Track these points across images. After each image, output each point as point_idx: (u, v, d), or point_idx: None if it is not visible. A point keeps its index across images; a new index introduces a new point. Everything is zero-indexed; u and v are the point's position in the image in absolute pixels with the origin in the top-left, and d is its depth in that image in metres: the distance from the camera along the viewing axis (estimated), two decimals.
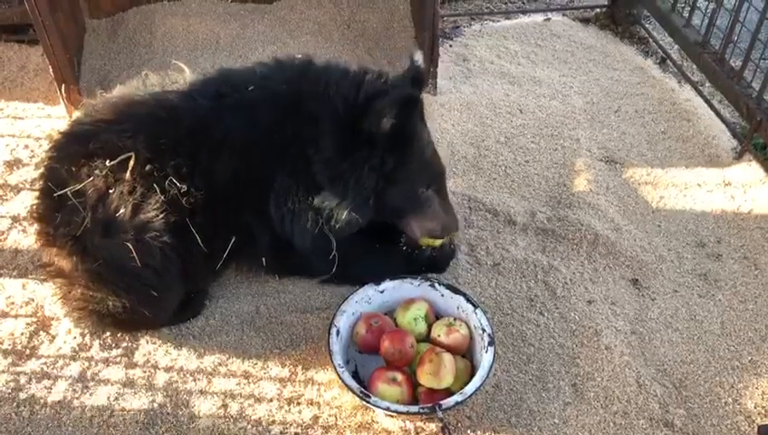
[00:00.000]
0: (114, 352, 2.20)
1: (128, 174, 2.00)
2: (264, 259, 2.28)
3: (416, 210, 2.26)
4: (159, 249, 2.03)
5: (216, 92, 2.14)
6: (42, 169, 2.17)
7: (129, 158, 2.00)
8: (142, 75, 2.27)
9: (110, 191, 2.00)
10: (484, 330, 2.13)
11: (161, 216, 2.01)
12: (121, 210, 1.99)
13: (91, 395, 2.08)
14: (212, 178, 2.07)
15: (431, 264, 2.46)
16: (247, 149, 2.09)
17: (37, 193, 2.15)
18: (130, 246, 1.99)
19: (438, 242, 2.40)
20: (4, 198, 2.72)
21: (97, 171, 2.01)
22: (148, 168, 2.01)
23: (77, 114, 2.53)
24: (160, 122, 2.08)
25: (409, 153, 2.16)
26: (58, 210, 2.03)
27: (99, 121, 2.10)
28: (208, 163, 2.07)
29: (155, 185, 2.01)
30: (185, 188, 2.03)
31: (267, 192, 2.14)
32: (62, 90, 2.99)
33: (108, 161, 2.00)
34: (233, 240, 2.16)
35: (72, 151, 2.06)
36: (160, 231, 2.02)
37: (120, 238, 2.00)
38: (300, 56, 2.25)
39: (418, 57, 2.22)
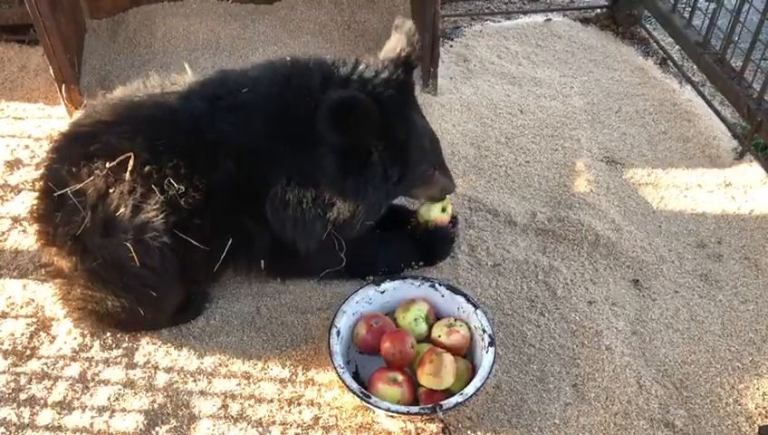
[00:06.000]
0: (114, 352, 2.20)
1: (127, 174, 2.00)
2: (263, 261, 2.28)
3: (419, 185, 2.36)
4: (158, 249, 2.03)
5: (212, 95, 2.14)
6: (42, 170, 2.17)
7: (129, 158, 2.00)
8: (145, 76, 2.27)
9: (110, 191, 2.00)
10: (484, 330, 2.13)
11: (161, 216, 2.01)
12: (121, 210, 2.00)
13: (91, 396, 2.08)
14: (209, 180, 2.07)
15: (433, 250, 2.49)
16: (241, 155, 2.09)
17: (37, 193, 2.15)
18: (130, 246, 1.99)
19: (438, 212, 2.45)
20: (5, 198, 2.72)
21: (97, 171, 2.01)
22: (146, 169, 2.01)
23: (77, 115, 2.53)
24: (158, 124, 2.08)
25: (410, 157, 2.18)
26: (58, 210, 2.04)
27: (98, 123, 2.10)
28: (205, 165, 2.07)
29: (154, 186, 2.01)
30: (182, 189, 2.03)
31: (264, 198, 2.14)
32: (63, 90, 2.99)
33: (107, 162, 2.00)
34: (230, 242, 2.16)
35: (72, 152, 2.07)
36: (160, 231, 2.02)
37: (120, 238, 2.00)
38: (288, 58, 2.23)
39: (409, 29, 2.19)
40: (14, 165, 2.86)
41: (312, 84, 2.09)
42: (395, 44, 2.22)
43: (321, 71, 2.13)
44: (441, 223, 2.48)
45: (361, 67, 2.14)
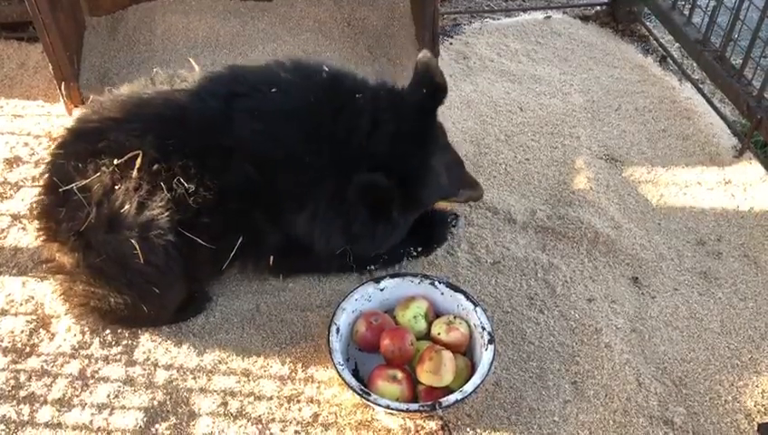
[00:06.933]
0: (114, 349, 2.20)
1: (134, 172, 2.00)
2: (271, 258, 2.29)
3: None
4: (163, 247, 2.03)
5: (229, 93, 2.13)
6: (47, 165, 2.17)
7: (137, 156, 2.00)
8: (151, 73, 2.26)
9: (116, 187, 2.00)
10: (483, 328, 2.13)
11: (166, 214, 2.01)
12: (126, 206, 1.99)
13: (91, 393, 2.09)
14: (221, 179, 2.07)
15: (431, 234, 2.54)
16: (268, 163, 2.10)
17: (41, 189, 2.15)
18: (134, 243, 1.99)
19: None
20: (4, 195, 2.72)
21: (104, 168, 2.01)
22: (155, 167, 2.01)
23: (79, 111, 2.52)
24: (169, 122, 2.08)
25: (425, 201, 2.37)
26: (62, 205, 2.03)
27: (107, 119, 2.09)
28: (218, 166, 2.07)
29: (162, 183, 2.01)
30: (192, 188, 2.03)
31: (289, 205, 2.18)
32: (62, 87, 2.98)
33: (115, 159, 2.00)
34: (240, 240, 2.16)
35: (79, 148, 2.06)
36: (165, 229, 2.01)
37: (125, 235, 2.00)
38: (326, 68, 2.27)
39: (435, 69, 2.26)
40: (13, 162, 2.85)
41: (362, 126, 2.17)
42: (422, 81, 2.27)
43: (370, 114, 2.19)
44: (439, 207, 2.52)
45: (403, 122, 2.20)
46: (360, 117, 2.18)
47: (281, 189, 2.14)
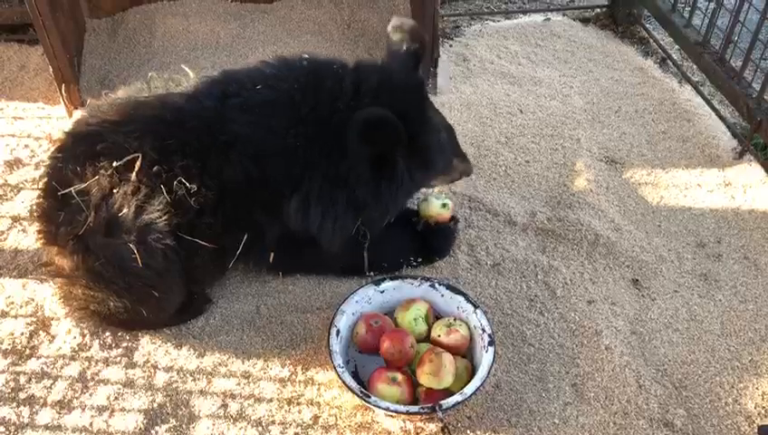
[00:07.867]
0: (114, 351, 2.20)
1: (133, 175, 2.00)
2: (271, 256, 2.29)
3: (440, 175, 2.45)
4: (161, 250, 2.03)
5: (222, 93, 2.14)
6: (46, 168, 2.17)
7: (136, 159, 2.00)
8: (147, 77, 2.27)
9: (114, 191, 2.00)
10: (484, 330, 2.13)
11: (165, 217, 2.01)
12: (124, 210, 2.00)
13: (90, 395, 2.09)
14: (221, 178, 2.07)
15: (432, 246, 2.51)
16: (260, 153, 2.10)
17: (40, 192, 2.15)
18: (132, 247, 1.99)
19: (438, 209, 2.49)
20: (5, 197, 2.72)
21: (102, 171, 2.01)
22: (155, 169, 2.01)
23: (78, 114, 2.52)
24: (167, 124, 2.09)
25: (432, 158, 2.28)
26: (61, 209, 2.03)
27: (105, 122, 2.10)
28: (217, 164, 2.07)
29: (161, 186, 2.01)
30: (194, 188, 2.03)
31: (284, 194, 2.15)
32: (63, 89, 2.99)
33: (114, 162, 2.00)
34: (245, 238, 2.16)
35: (78, 152, 2.06)
36: (163, 232, 2.02)
37: (123, 238, 2.00)
38: (306, 56, 2.26)
39: (411, 27, 2.25)
40: (13, 164, 2.86)
41: (344, 89, 2.13)
42: (399, 44, 2.25)
43: (351, 78, 2.15)
44: (442, 220, 2.49)
45: (386, 76, 2.17)
46: (341, 82, 2.14)
47: (278, 178, 2.13)
